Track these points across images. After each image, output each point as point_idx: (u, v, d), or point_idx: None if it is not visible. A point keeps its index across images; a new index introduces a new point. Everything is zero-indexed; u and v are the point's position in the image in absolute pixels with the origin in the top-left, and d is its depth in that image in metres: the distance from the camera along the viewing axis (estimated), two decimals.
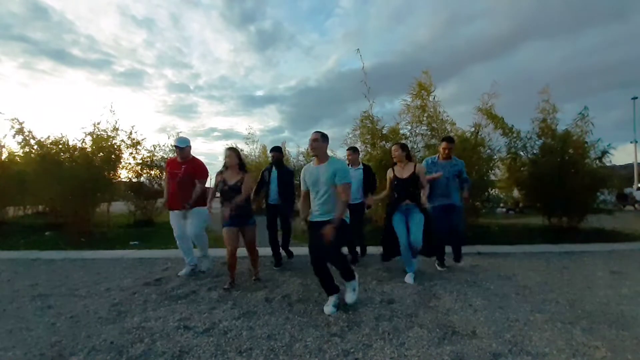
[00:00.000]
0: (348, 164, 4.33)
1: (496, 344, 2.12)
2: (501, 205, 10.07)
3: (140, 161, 8.47)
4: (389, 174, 3.73)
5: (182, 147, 3.83)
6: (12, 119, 6.59)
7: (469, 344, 2.12)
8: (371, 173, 4.49)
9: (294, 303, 2.90)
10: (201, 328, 2.40)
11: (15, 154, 8.14)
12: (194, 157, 4.00)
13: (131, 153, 8.09)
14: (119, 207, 8.71)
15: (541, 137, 6.79)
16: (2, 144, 8.36)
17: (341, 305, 2.77)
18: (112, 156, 7.29)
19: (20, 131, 6.64)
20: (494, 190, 7.41)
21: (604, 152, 6.39)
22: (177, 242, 3.91)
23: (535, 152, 6.85)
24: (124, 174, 8.39)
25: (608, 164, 6.52)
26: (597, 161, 6.48)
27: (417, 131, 6.77)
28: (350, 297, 2.81)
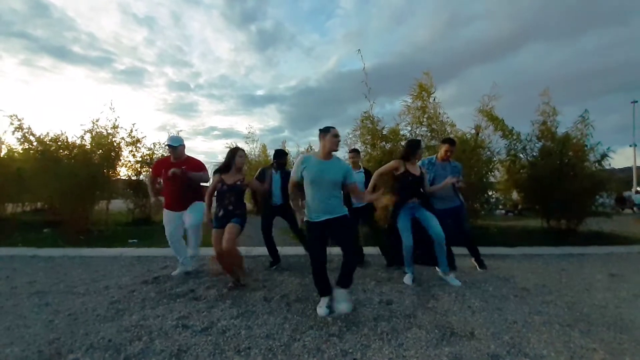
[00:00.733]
0: None
1: (494, 346, 2.12)
2: (500, 207, 10.08)
3: (140, 159, 8.46)
4: (399, 167, 3.48)
5: (176, 147, 3.73)
6: (11, 116, 6.57)
7: (467, 345, 2.12)
8: (371, 176, 4.48)
9: (293, 303, 2.89)
10: (199, 327, 2.39)
11: (15, 150, 8.13)
12: (188, 156, 3.90)
13: (131, 151, 8.08)
14: (117, 205, 8.69)
15: (541, 140, 6.81)
16: (1, 141, 8.35)
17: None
18: (112, 154, 7.27)
19: (19, 128, 6.62)
20: (493, 192, 7.42)
21: (604, 155, 6.41)
22: (169, 242, 3.81)
23: (534, 154, 6.87)
24: (123, 172, 8.39)
25: (607, 167, 6.54)
26: (597, 164, 6.50)
27: (417, 132, 6.77)
28: (347, 307, 2.56)
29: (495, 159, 6.76)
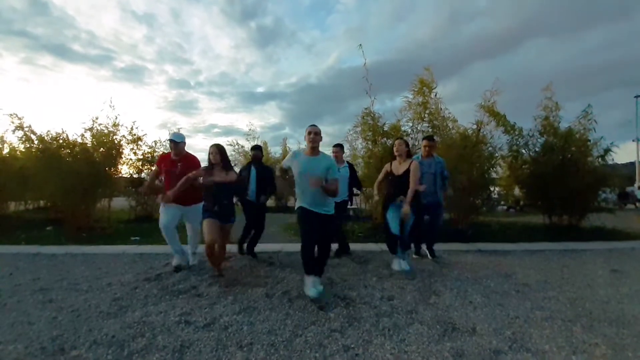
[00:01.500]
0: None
1: (496, 341, 2.12)
2: (502, 203, 10.07)
3: (141, 157, 8.47)
4: (386, 168, 3.77)
5: (178, 142, 3.80)
6: (11, 115, 6.58)
7: (469, 341, 2.12)
8: (355, 171, 4.70)
9: (294, 299, 2.90)
10: (202, 323, 2.40)
11: (17, 149, 8.14)
12: (187, 153, 3.98)
13: (132, 149, 8.09)
14: (119, 203, 8.70)
15: (543, 135, 6.76)
16: (3, 139, 8.37)
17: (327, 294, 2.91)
18: (113, 152, 7.28)
19: (20, 127, 6.63)
20: (495, 188, 7.41)
21: (607, 150, 6.37)
22: (163, 231, 3.81)
23: (537, 150, 6.83)
24: (125, 170, 8.40)
25: (610, 163, 6.50)
26: (600, 159, 6.47)
27: (418, 128, 6.74)
28: (314, 292, 2.80)
29: (497, 154, 6.73)
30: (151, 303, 2.80)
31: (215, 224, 3.36)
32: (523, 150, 6.95)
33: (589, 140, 6.42)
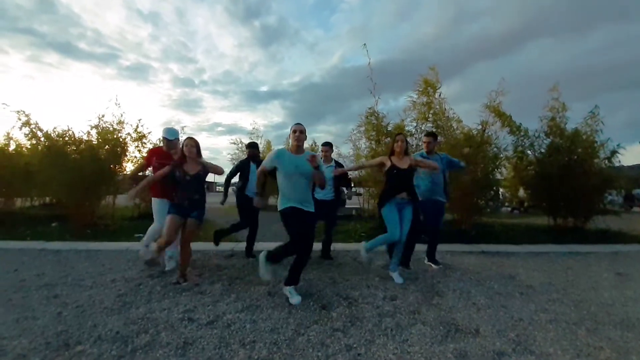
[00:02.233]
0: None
1: (500, 343, 2.11)
2: (506, 204, 10.01)
3: (146, 154, 8.50)
4: (385, 161, 3.49)
5: (171, 140, 3.69)
6: (19, 111, 6.63)
7: (472, 342, 2.12)
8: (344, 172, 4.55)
9: None
10: (205, 320, 2.41)
11: (23, 145, 8.21)
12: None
13: (137, 146, 8.11)
14: (124, 200, 8.75)
15: (549, 136, 6.71)
16: (10, 136, 8.44)
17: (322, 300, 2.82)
18: (118, 149, 7.32)
19: (26, 123, 6.68)
20: (499, 189, 7.37)
21: (614, 152, 6.31)
22: (151, 234, 3.72)
23: (542, 151, 6.78)
24: (129, 167, 8.43)
25: (617, 164, 6.44)
26: (606, 161, 6.41)
27: (422, 128, 6.73)
28: (296, 299, 2.79)
29: (502, 155, 6.70)
30: (155, 300, 2.82)
31: (177, 223, 3.22)
32: (528, 151, 6.91)
33: (596, 142, 6.37)
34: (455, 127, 6.63)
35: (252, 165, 4.40)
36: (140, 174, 4.13)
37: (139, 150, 8.20)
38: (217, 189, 42.65)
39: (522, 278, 3.60)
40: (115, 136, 7.26)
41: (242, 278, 3.49)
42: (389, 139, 6.65)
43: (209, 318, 2.45)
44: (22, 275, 3.52)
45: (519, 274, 3.77)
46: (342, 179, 4.33)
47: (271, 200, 6.37)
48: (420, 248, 4.58)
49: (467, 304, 2.78)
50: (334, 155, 4.67)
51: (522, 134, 6.72)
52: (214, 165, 3.54)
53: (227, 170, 4.51)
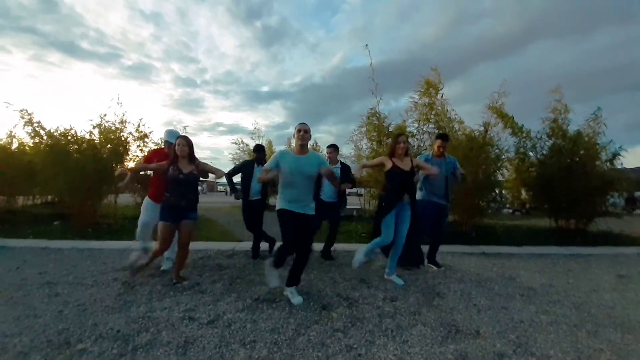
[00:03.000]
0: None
1: (500, 344, 2.11)
2: (507, 206, 9.99)
3: (148, 154, 8.51)
4: (385, 162, 3.40)
5: (172, 142, 3.55)
6: (22, 110, 6.65)
7: (472, 344, 2.12)
8: (349, 171, 4.52)
9: None
10: (205, 319, 2.42)
11: (25, 144, 8.23)
12: None
13: (139, 146, 8.11)
14: (125, 199, 8.78)
15: (551, 138, 6.69)
16: (12, 135, 8.46)
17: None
18: (120, 148, 7.33)
19: (29, 122, 6.70)
20: (500, 190, 7.35)
21: (615, 154, 6.29)
22: (141, 228, 3.64)
23: (544, 152, 6.76)
24: (131, 167, 8.44)
25: (619, 167, 6.42)
26: (608, 163, 6.39)
27: (424, 129, 6.72)
28: (298, 299, 2.81)
29: (503, 156, 6.68)
30: (155, 299, 2.83)
31: (169, 229, 3.17)
32: (530, 153, 6.89)
33: (598, 144, 6.35)
34: (457, 129, 6.62)
35: (257, 168, 4.38)
36: (142, 173, 4.09)
37: (141, 150, 8.22)
38: (219, 189, 42.68)
39: (523, 280, 3.59)
40: (117, 135, 7.27)
41: (242, 278, 3.49)
42: (390, 139, 6.65)
43: (210, 317, 2.46)
44: (24, 274, 3.54)
45: (519, 275, 3.76)
46: (347, 180, 4.32)
47: (271, 200, 6.36)
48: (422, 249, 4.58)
49: (468, 305, 2.78)
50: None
51: (524, 135, 6.71)
52: (214, 167, 3.50)
53: (227, 170, 4.49)
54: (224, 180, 4.41)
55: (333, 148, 4.52)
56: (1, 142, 8.26)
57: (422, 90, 6.59)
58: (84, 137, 7.02)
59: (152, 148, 8.45)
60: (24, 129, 6.78)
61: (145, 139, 8.13)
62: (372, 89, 6.66)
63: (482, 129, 6.40)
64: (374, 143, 6.89)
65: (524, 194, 8.13)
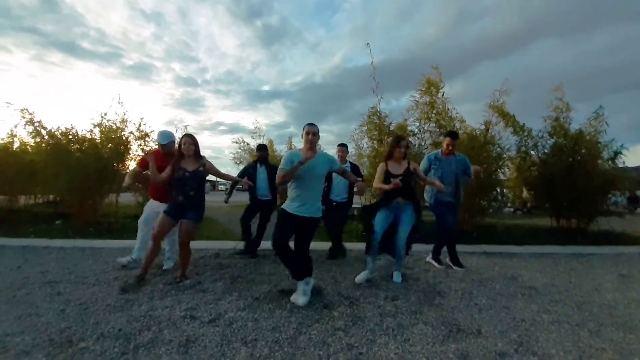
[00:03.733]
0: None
1: (502, 344, 2.11)
2: (509, 205, 9.96)
3: (148, 154, 8.51)
4: (382, 167, 3.42)
5: (164, 144, 3.66)
6: (22, 110, 6.66)
7: (474, 343, 2.11)
8: (358, 170, 4.58)
9: None
10: (207, 318, 2.42)
11: (27, 143, 8.23)
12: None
13: (140, 145, 8.12)
14: (126, 198, 8.78)
15: (553, 136, 6.67)
16: (14, 134, 8.47)
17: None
18: (121, 147, 7.33)
19: (30, 121, 6.71)
20: (502, 189, 7.33)
21: (617, 153, 6.27)
22: (141, 227, 3.70)
23: (546, 151, 6.75)
24: (132, 166, 8.44)
25: (620, 165, 6.40)
26: (610, 162, 6.36)
27: (425, 128, 6.71)
28: (302, 300, 2.73)
29: (505, 155, 6.66)
30: (157, 297, 2.83)
31: (167, 224, 3.19)
32: (532, 152, 6.87)
33: (599, 143, 6.32)
34: (458, 127, 6.61)
35: (260, 168, 4.43)
36: (145, 172, 4.08)
37: (142, 149, 8.22)
38: (219, 188, 42.72)
39: (524, 279, 3.58)
40: (118, 135, 7.27)
41: (244, 277, 3.49)
42: (390, 138, 6.63)
43: (211, 316, 2.46)
44: (26, 272, 3.54)
45: (521, 275, 3.75)
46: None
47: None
48: (422, 248, 4.58)
49: (469, 305, 2.78)
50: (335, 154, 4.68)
51: (525, 134, 6.69)
52: (220, 172, 3.54)
53: (224, 170, 4.53)
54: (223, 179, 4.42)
55: (345, 147, 4.53)
56: (3, 142, 8.26)
57: (423, 89, 6.58)
58: (85, 137, 7.02)
59: (150, 150, 8.46)
60: (25, 128, 6.79)
61: (146, 138, 8.14)
62: (373, 87, 6.63)
63: (483, 127, 6.38)
64: (375, 142, 6.87)
65: (525, 193, 8.11)
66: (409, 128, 6.76)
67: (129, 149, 7.65)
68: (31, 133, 6.86)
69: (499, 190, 6.96)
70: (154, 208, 3.66)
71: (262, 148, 4.63)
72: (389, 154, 3.44)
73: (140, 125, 7.84)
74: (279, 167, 2.78)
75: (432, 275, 3.64)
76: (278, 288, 3.11)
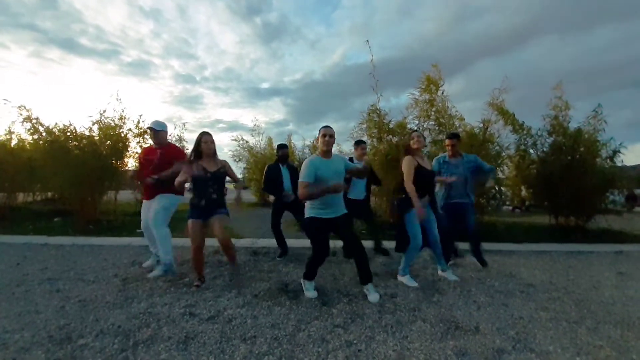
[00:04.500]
0: (351, 159, 4.31)
1: (499, 341, 2.12)
2: (507, 203, 9.98)
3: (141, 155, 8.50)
4: (412, 162, 3.17)
5: (158, 130, 3.48)
6: (20, 107, 6.63)
7: (472, 340, 2.12)
8: (372, 169, 4.54)
9: (298, 294, 2.91)
10: (206, 315, 2.43)
11: (25, 140, 8.22)
12: (170, 142, 3.72)
13: (138, 142, 8.11)
14: (125, 196, 8.78)
15: (552, 135, 6.67)
16: (11, 131, 8.45)
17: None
18: (120, 145, 7.32)
19: (28, 118, 6.69)
20: (500, 187, 7.33)
21: (615, 151, 6.27)
22: (145, 232, 3.65)
23: (545, 149, 6.75)
24: (131, 163, 8.44)
25: (619, 164, 6.40)
26: (608, 160, 6.37)
27: (424, 126, 6.69)
28: (374, 297, 2.77)
29: (504, 154, 6.66)
30: (156, 294, 2.84)
31: (199, 227, 3.00)
32: (531, 150, 6.87)
33: (598, 141, 6.33)
34: (457, 125, 6.60)
35: (283, 169, 4.39)
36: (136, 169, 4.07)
37: (141, 146, 8.21)
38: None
39: (523, 276, 3.59)
40: (116, 132, 7.26)
41: (243, 274, 3.50)
42: (390, 136, 6.62)
43: (210, 313, 2.47)
44: (25, 270, 3.55)
45: (519, 272, 3.76)
46: (373, 178, 4.40)
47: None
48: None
49: (468, 302, 2.79)
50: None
51: (524, 132, 6.68)
52: (236, 175, 3.36)
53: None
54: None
55: (364, 144, 4.48)
56: (0, 139, 8.24)
57: (423, 87, 6.56)
58: (84, 134, 7.01)
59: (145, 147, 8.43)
60: (22, 125, 6.77)
61: (145, 136, 8.13)
62: (372, 85, 6.61)
63: (481, 125, 6.37)
64: (375, 140, 6.86)
65: (524, 191, 8.12)
66: (409, 126, 6.74)
67: (128, 146, 7.64)
68: (29, 130, 6.83)
69: (497, 188, 6.95)
70: (144, 208, 3.57)
71: (282, 147, 4.54)
72: (408, 149, 3.30)
73: (139, 122, 7.84)
74: (301, 180, 2.66)
75: (431, 273, 3.65)
76: (277, 285, 3.12)
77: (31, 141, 7.57)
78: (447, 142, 3.90)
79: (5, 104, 6.69)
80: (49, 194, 9.96)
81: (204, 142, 3.05)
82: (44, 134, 6.81)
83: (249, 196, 13.60)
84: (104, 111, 7.17)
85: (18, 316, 2.39)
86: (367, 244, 4.79)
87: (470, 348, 2.02)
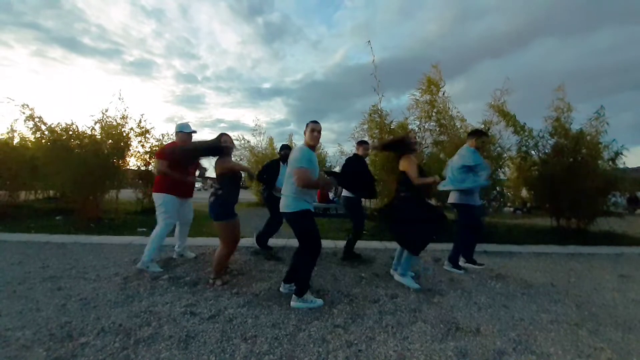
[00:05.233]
0: (354, 155, 4.32)
1: (500, 342, 2.12)
2: (509, 204, 9.96)
3: (149, 150, 8.52)
4: (415, 160, 3.26)
5: (188, 132, 3.81)
6: (22, 105, 6.65)
7: (472, 341, 2.12)
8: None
9: None
10: (207, 314, 2.43)
11: (27, 139, 8.24)
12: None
13: (140, 141, 8.13)
14: (127, 195, 8.79)
15: (554, 136, 6.66)
16: (14, 130, 8.47)
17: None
18: (121, 144, 7.34)
19: (30, 117, 6.71)
20: (502, 189, 7.33)
21: (618, 154, 6.26)
22: (179, 229, 4.07)
23: (546, 151, 6.74)
24: (132, 162, 8.45)
25: (621, 166, 6.39)
26: (610, 162, 6.36)
27: (425, 127, 6.70)
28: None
29: (505, 155, 6.66)
30: (157, 293, 2.84)
31: (238, 223, 3.15)
32: (532, 152, 6.87)
33: (600, 143, 6.32)
34: (459, 126, 6.60)
35: (282, 167, 4.50)
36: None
37: (142, 146, 8.23)
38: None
39: (524, 278, 3.59)
40: (118, 131, 7.28)
41: (243, 273, 3.50)
42: (392, 137, 6.62)
43: (211, 312, 2.47)
44: (27, 268, 3.55)
45: (521, 274, 3.76)
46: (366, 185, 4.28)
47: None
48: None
49: (469, 303, 2.79)
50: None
51: (526, 133, 6.68)
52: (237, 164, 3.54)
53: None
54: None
55: (368, 145, 4.44)
56: (3, 137, 8.26)
57: (424, 88, 6.57)
58: (86, 133, 7.03)
59: (154, 144, 8.46)
60: (25, 124, 6.79)
61: (147, 135, 8.16)
62: (374, 86, 6.62)
63: (482, 127, 6.37)
64: (376, 140, 6.87)
65: (525, 192, 8.10)
66: (410, 127, 6.75)
67: (129, 145, 7.66)
68: (31, 129, 6.86)
69: (499, 189, 6.95)
70: (176, 204, 3.89)
71: (285, 147, 4.70)
72: (410, 150, 3.31)
73: (140, 121, 7.87)
74: (304, 165, 2.58)
75: (432, 274, 3.65)
76: (278, 285, 3.12)
77: (33, 140, 7.59)
78: (484, 138, 4.03)
79: (7, 102, 6.71)
80: (51, 192, 9.99)
81: (226, 142, 3.14)
82: (46, 132, 6.84)
83: (249, 196, 13.60)
84: (106, 110, 7.19)
85: (19, 314, 2.40)
86: (372, 244, 4.84)
87: (470, 349, 2.02)
